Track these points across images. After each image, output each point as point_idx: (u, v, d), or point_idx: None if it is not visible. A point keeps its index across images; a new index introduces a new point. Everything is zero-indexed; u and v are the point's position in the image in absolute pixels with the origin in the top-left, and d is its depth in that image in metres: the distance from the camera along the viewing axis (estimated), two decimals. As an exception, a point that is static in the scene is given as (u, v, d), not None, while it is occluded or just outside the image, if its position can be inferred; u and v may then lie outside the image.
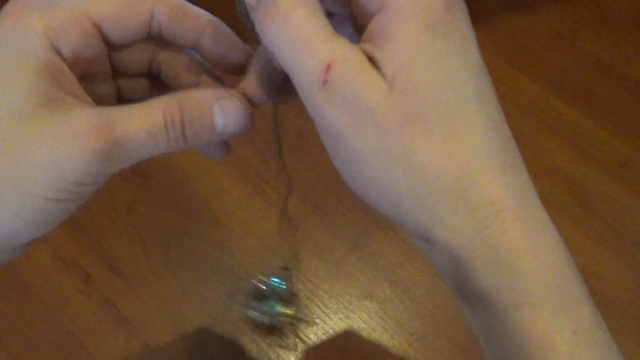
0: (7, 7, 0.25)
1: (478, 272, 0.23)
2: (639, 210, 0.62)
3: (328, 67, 0.23)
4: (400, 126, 0.23)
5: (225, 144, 0.31)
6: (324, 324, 0.57)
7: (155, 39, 0.28)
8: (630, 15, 0.76)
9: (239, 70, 0.29)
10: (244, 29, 0.27)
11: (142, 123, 0.25)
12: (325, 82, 0.23)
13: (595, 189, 0.63)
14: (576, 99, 0.69)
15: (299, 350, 0.54)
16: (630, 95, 0.70)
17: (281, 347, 0.54)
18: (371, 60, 0.23)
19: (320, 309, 0.57)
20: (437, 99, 0.23)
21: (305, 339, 0.56)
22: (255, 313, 0.54)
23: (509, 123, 0.24)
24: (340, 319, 0.57)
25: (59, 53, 0.25)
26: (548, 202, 0.24)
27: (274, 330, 0.55)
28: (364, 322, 0.57)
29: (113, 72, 0.30)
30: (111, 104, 0.29)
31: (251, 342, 0.55)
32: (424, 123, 0.23)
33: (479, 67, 0.24)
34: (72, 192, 0.25)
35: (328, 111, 0.23)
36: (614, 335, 0.25)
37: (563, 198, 0.62)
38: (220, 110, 0.26)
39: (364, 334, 0.56)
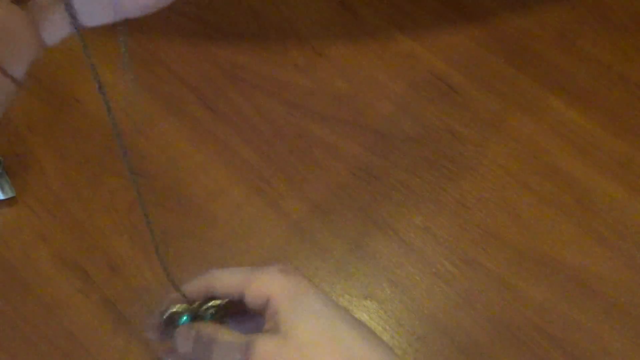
0: None
1: None
2: (639, 210, 0.62)
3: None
4: None
5: None
6: (324, 324, 0.56)
7: None
8: (631, 15, 0.76)
9: None
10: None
11: None
12: None
13: (595, 189, 0.63)
14: (576, 99, 0.69)
15: None
16: (630, 96, 0.70)
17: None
18: None
19: (320, 309, 0.57)
20: None
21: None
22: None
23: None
24: (340, 319, 0.57)
25: None
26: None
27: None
28: (364, 322, 0.57)
29: None
30: None
31: (251, 342, 0.55)
32: None
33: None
34: None
35: None
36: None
37: (563, 198, 0.62)
38: None
39: (364, 334, 0.56)
